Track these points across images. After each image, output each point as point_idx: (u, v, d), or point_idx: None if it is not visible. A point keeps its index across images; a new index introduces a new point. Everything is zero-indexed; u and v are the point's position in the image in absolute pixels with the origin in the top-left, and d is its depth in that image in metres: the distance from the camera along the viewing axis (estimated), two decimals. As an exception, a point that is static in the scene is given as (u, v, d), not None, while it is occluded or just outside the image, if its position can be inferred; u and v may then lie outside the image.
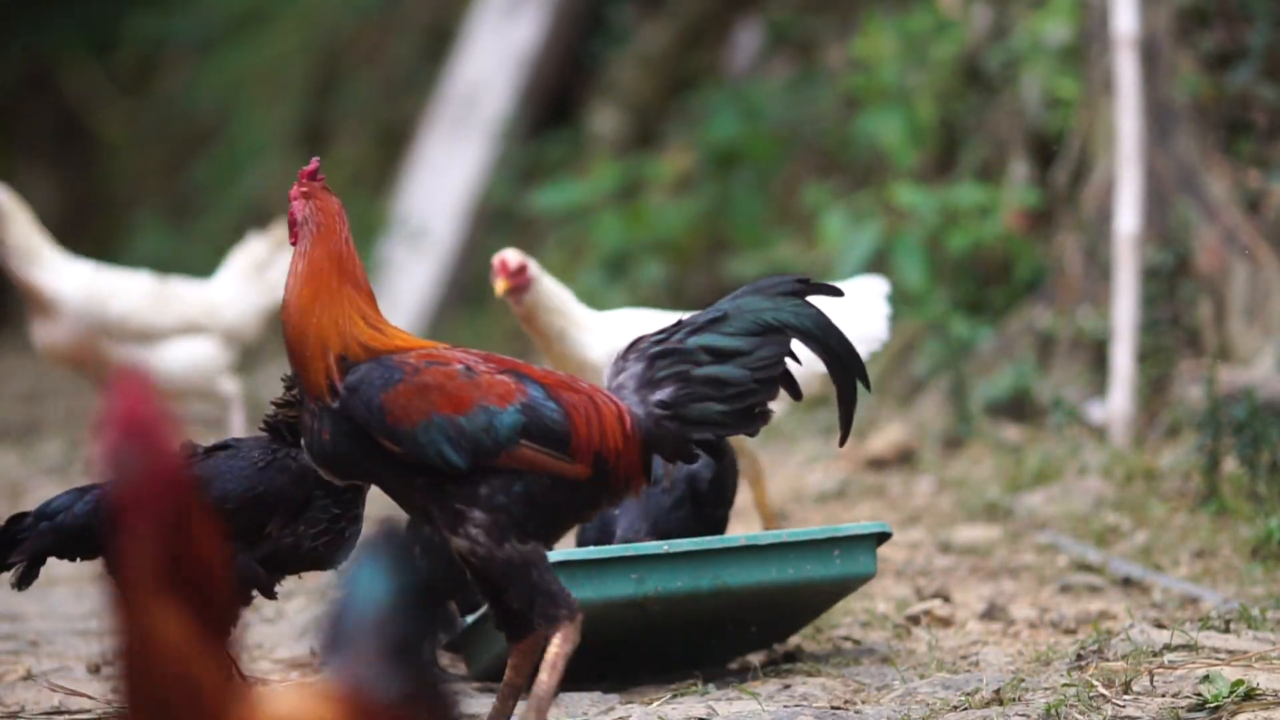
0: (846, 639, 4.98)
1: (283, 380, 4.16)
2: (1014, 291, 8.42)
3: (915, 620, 5.14)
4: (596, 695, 4.46)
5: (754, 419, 3.79)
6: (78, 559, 4.17)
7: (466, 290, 12.48)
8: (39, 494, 8.22)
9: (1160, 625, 4.78)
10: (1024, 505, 6.42)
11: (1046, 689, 4.28)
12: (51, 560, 6.56)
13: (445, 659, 4.66)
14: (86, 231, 19.16)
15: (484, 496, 3.61)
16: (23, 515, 4.10)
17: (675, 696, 4.42)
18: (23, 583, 4.09)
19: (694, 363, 3.74)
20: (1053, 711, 4.08)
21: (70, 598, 5.95)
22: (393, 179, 13.47)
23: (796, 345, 3.80)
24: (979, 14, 9.26)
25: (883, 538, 4.68)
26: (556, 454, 3.65)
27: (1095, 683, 4.25)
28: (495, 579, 3.63)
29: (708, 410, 3.73)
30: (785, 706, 4.33)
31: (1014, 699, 4.22)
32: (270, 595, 4.14)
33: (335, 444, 3.62)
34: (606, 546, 4.57)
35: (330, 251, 3.74)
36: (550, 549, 3.76)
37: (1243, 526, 5.73)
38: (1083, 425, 7.22)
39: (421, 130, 13.26)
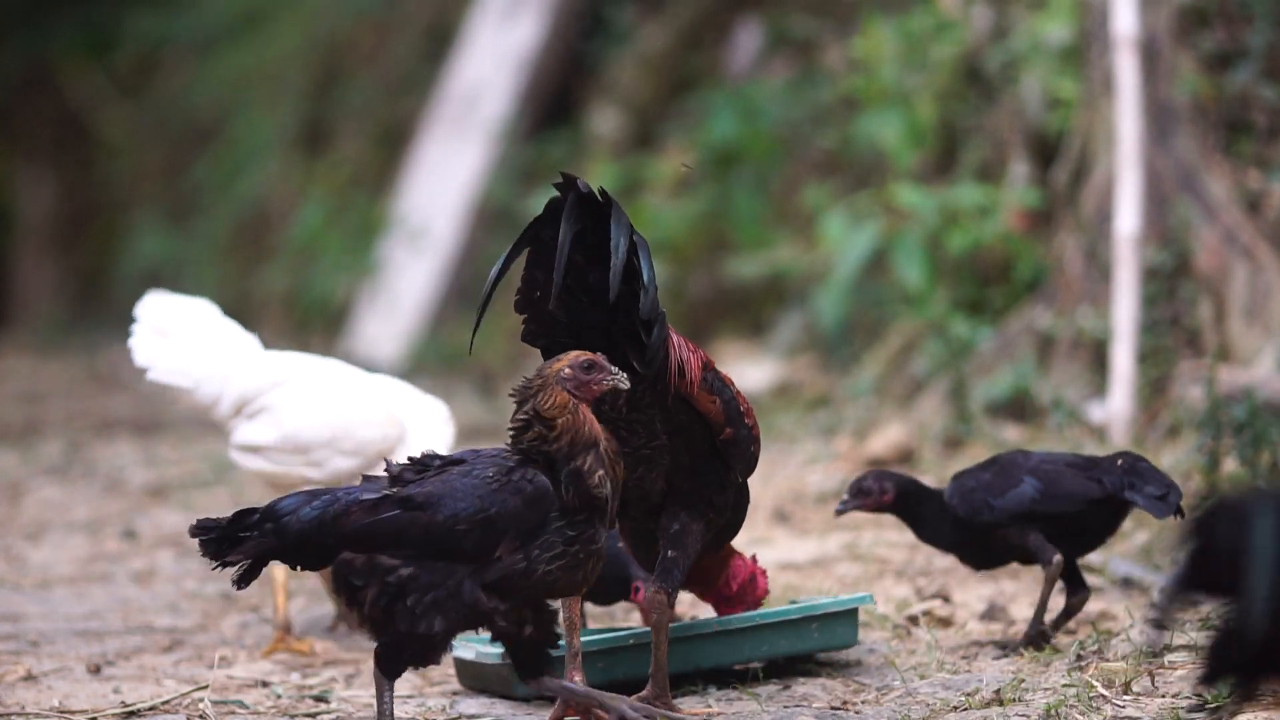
0: (846, 639, 4.98)
1: (512, 395, 4.02)
2: (1014, 291, 8.43)
3: (915, 620, 5.14)
4: (597, 695, 4.46)
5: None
6: (298, 568, 3.97)
7: (466, 290, 12.48)
8: (39, 494, 8.23)
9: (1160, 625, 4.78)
10: (1024, 505, 6.41)
11: (1046, 689, 4.29)
12: (51, 560, 6.60)
13: None
14: (86, 231, 19.18)
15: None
16: (250, 511, 3.94)
17: (676, 697, 4.42)
18: (242, 582, 3.93)
19: None
20: (1053, 712, 4.08)
21: (70, 598, 5.95)
22: (393, 179, 13.47)
23: None
24: (979, 15, 9.26)
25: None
26: None
27: (1095, 683, 4.25)
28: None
29: None
30: (785, 707, 4.33)
31: (1014, 699, 4.22)
32: (493, 624, 3.93)
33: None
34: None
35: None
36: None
37: (1243, 527, 5.72)
38: (1083, 425, 7.22)
39: (421, 130, 13.27)
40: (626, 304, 4.04)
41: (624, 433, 4.14)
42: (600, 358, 4.01)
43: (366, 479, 3.99)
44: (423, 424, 5.24)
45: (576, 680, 4.19)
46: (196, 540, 3.94)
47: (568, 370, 4.02)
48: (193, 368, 5.27)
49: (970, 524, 4.77)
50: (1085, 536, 4.78)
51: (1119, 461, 4.76)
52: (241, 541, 3.91)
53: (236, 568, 3.94)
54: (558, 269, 3.99)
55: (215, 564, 3.94)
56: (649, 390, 4.11)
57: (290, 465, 5.18)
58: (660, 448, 4.18)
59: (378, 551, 3.87)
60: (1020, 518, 4.73)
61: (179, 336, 5.31)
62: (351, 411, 5.18)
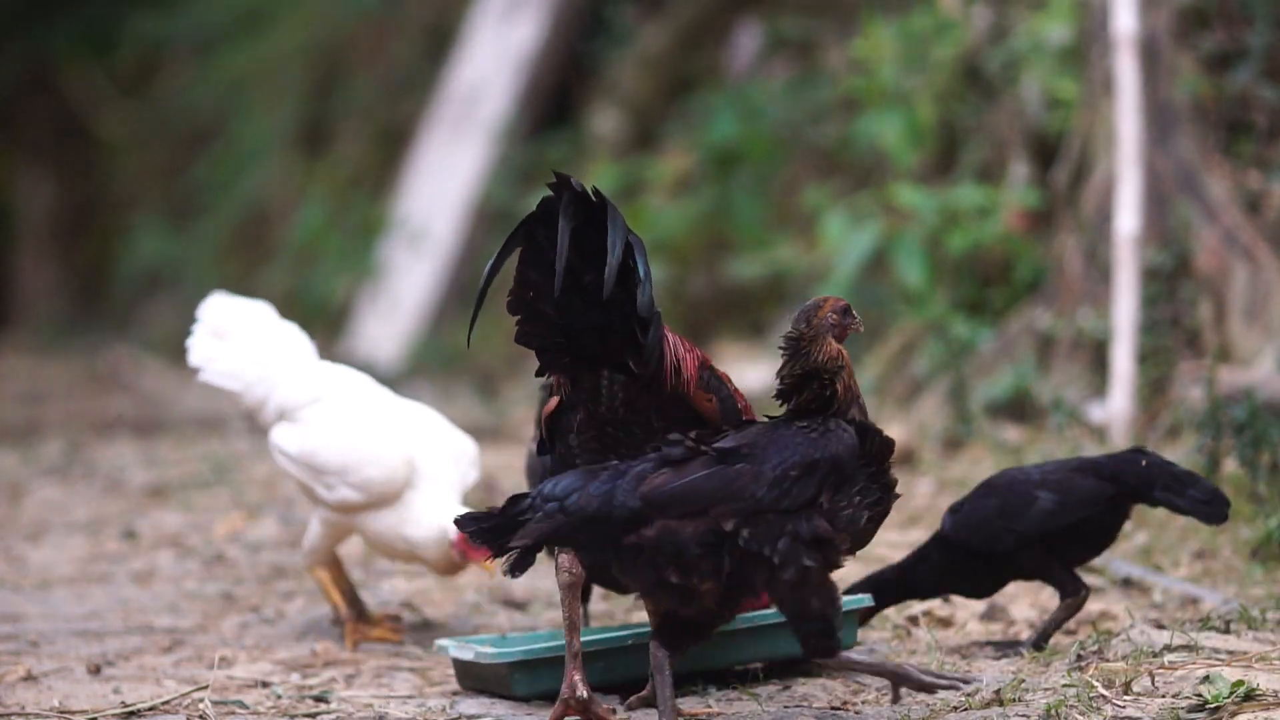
0: (846, 639, 4.98)
1: (782, 349, 4.01)
2: (1014, 292, 8.43)
3: (915, 621, 5.14)
4: (598, 697, 4.46)
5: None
6: (581, 551, 3.91)
7: (466, 291, 12.48)
8: (39, 494, 8.23)
9: (1160, 626, 4.78)
10: (1024, 506, 6.41)
11: (1046, 689, 4.29)
12: (51, 560, 6.60)
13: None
14: (86, 231, 19.18)
15: None
16: (521, 496, 3.84)
17: (676, 697, 4.42)
18: (516, 570, 3.84)
19: None
20: (1053, 712, 4.08)
21: (70, 598, 5.95)
22: (393, 179, 13.47)
23: None
24: (979, 15, 9.27)
25: (867, 614, 4.77)
26: None
27: (1095, 683, 4.25)
28: None
29: None
30: (785, 707, 4.33)
31: (1014, 699, 4.22)
32: (827, 565, 3.89)
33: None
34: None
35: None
36: None
37: (1243, 527, 5.73)
38: (1083, 426, 7.22)
39: (421, 130, 13.27)
40: (622, 304, 4.04)
41: (621, 434, 4.14)
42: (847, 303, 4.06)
43: (661, 445, 3.93)
44: (441, 466, 5.26)
45: (576, 680, 4.18)
46: (467, 532, 3.86)
47: (833, 316, 4.00)
48: (243, 372, 5.32)
49: (984, 555, 4.73)
50: (1096, 539, 4.76)
51: (1143, 461, 4.72)
52: (521, 526, 3.82)
53: (506, 557, 3.85)
54: (559, 270, 3.99)
55: (491, 554, 3.86)
56: (645, 390, 4.11)
57: (308, 480, 5.22)
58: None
59: (697, 513, 3.80)
60: (1043, 536, 4.69)
61: (235, 339, 5.36)
62: (365, 448, 5.19)
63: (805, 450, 3.87)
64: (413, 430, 5.28)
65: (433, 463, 5.25)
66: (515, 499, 3.85)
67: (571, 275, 4.03)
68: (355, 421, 5.26)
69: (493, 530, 3.83)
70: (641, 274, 4.01)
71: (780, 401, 4.01)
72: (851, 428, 3.93)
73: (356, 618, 5.30)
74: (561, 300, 4.03)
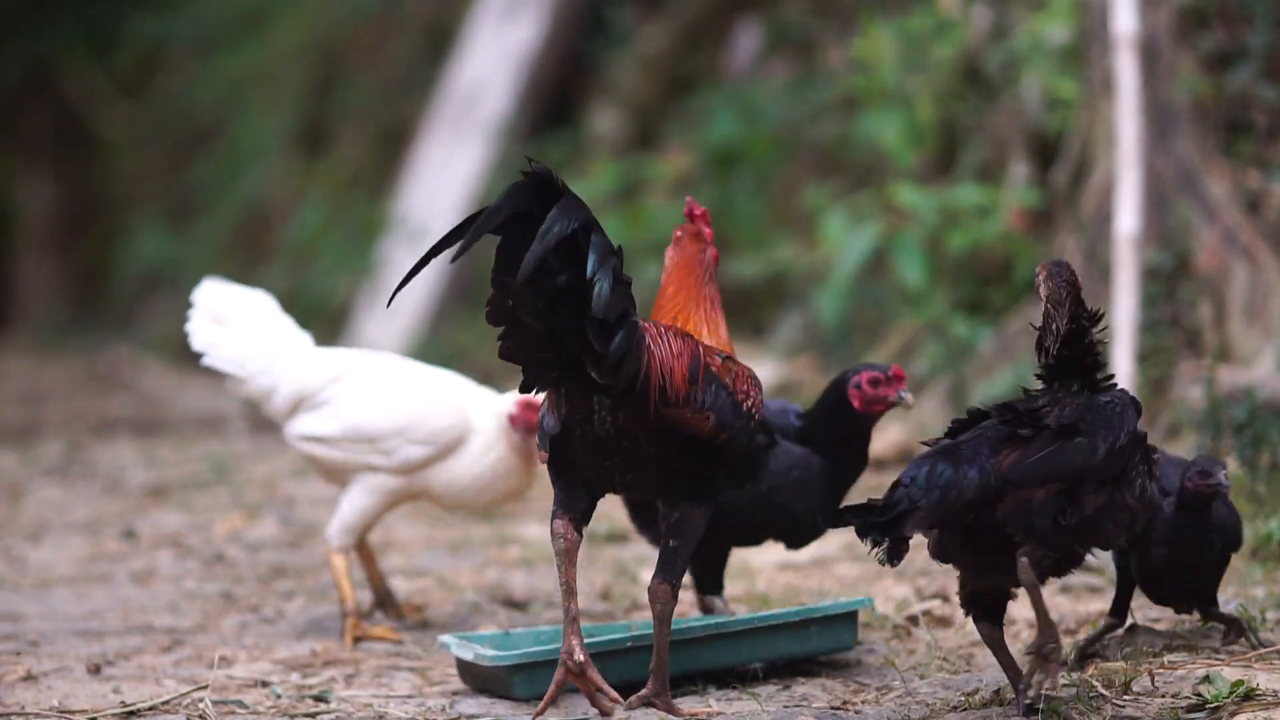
0: (846, 639, 4.98)
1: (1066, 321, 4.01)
2: (1014, 291, 8.43)
3: (915, 620, 5.14)
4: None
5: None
6: (958, 533, 3.95)
7: (466, 290, 12.48)
8: (39, 494, 8.23)
9: (1160, 626, 4.78)
10: (1024, 506, 6.40)
11: (1046, 689, 4.28)
12: (51, 560, 6.60)
13: None
14: (86, 231, 19.18)
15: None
16: (894, 488, 3.88)
17: (676, 697, 4.42)
18: (896, 558, 3.92)
19: None
20: (1053, 712, 4.08)
21: (70, 598, 5.95)
22: (393, 179, 13.47)
23: None
24: (979, 14, 9.27)
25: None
26: None
27: (1095, 683, 4.25)
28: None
29: None
30: (785, 707, 4.33)
31: (1014, 699, 4.22)
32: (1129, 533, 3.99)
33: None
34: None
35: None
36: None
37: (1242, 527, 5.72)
38: (1083, 426, 7.21)
39: (421, 130, 13.27)
40: (578, 306, 3.90)
41: (610, 445, 4.09)
42: None
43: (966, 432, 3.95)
44: (486, 404, 5.27)
45: (574, 644, 4.14)
46: (856, 528, 3.91)
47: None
48: (248, 359, 5.32)
49: None
50: None
51: None
52: (907, 516, 3.87)
53: (880, 547, 3.91)
54: (469, 237, 3.88)
55: (874, 546, 3.92)
56: (621, 407, 4.03)
57: (358, 454, 5.20)
58: (647, 455, 4.14)
59: (1043, 487, 3.88)
60: None
61: (236, 325, 5.36)
62: (420, 403, 5.21)
63: (1121, 424, 3.94)
64: (449, 381, 5.30)
65: (479, 404, 5.25)
66: (891, 491, 3.90)
67: (546, 274, 3.93)
68: (397, 382, 5.27)
69: (883, 525, 3.88)
70: (590, 268, 3.90)
71: (1050, 358, 4.03)
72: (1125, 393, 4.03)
73: (382, 606, 5.39)
74: (540, 306, 3.90)
